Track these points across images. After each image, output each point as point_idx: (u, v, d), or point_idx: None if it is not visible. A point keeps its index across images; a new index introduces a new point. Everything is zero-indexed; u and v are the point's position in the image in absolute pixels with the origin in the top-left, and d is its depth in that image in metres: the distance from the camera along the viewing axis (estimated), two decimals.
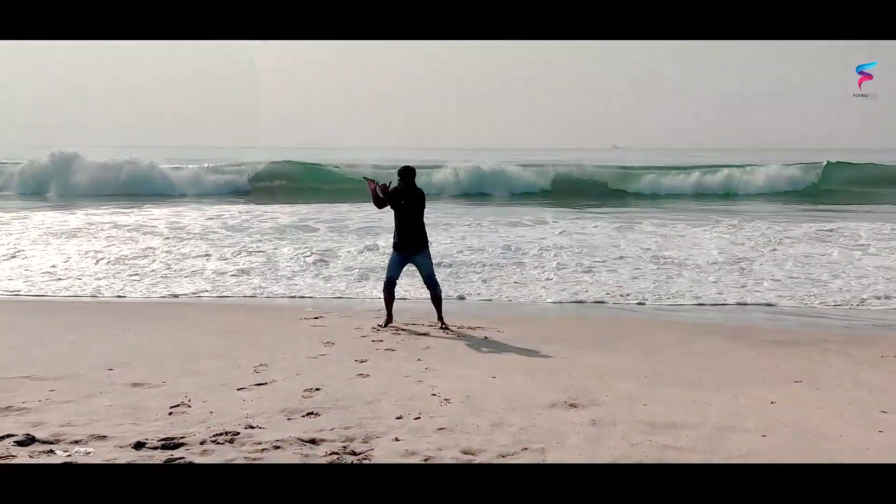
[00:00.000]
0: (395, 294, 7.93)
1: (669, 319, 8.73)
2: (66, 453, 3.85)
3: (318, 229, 15.93)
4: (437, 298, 7.79)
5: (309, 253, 12.51)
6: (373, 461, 3.82)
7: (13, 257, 12.26)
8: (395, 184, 7.71)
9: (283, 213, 18.84)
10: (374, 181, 7.78)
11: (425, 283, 7.86)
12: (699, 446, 4.11)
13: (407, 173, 7.71)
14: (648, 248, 13.37)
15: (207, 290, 10.01)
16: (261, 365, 5.87)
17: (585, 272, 11.32)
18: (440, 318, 7.76)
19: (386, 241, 12.88)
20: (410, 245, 7.72)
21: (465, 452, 3.96)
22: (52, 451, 3.88)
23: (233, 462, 3.78)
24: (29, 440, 4.02)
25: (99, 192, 27.02)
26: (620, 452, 4.00)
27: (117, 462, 3.64)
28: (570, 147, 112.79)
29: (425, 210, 7.81)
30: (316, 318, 8.11)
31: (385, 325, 7.64)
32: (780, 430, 4.43)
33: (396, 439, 4.16)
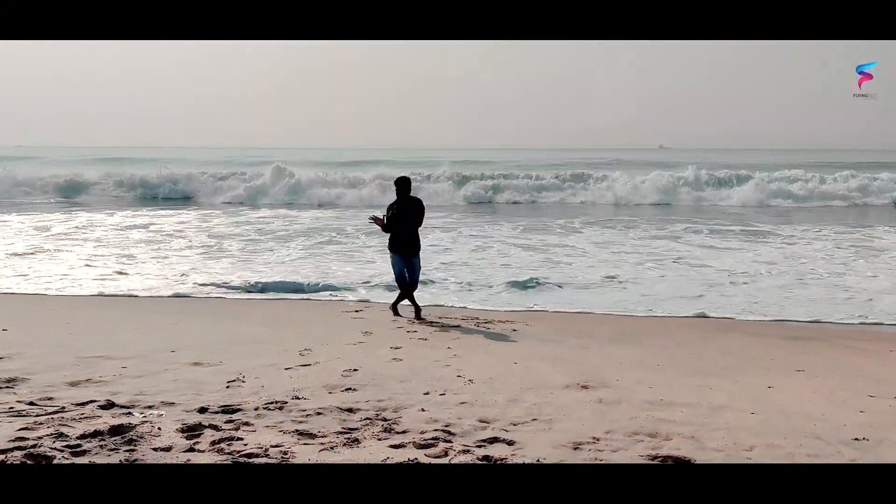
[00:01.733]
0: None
1: (694, 319, 9.01)
2: (142, 415, 4.53)
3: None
4: (412, 287, 8.53)
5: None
6: (400, 426, 4.40)
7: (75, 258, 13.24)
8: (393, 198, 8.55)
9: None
10: (378, 217, 8.52)
11: (409, 278, 8.52)
12: (692, 420, 4.59)
13: (399, 183, 8.46)
14: None
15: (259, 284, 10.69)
16: (305, 349, 6.51)
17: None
18: (414, 303, 8.44)
19: None
20: (405, 249, 8.44)
21: (482, 421, 4.51)
22: (130, 413, 4.56)
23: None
24: (109, 404, 4.72)
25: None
26: (620, 424, 4.51)
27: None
28: (615, 147, 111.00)
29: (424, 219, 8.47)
30: (356, 310, 8.74)
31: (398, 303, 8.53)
32: (769, 410, 4.87)
33: (422, 410, 4.73)
